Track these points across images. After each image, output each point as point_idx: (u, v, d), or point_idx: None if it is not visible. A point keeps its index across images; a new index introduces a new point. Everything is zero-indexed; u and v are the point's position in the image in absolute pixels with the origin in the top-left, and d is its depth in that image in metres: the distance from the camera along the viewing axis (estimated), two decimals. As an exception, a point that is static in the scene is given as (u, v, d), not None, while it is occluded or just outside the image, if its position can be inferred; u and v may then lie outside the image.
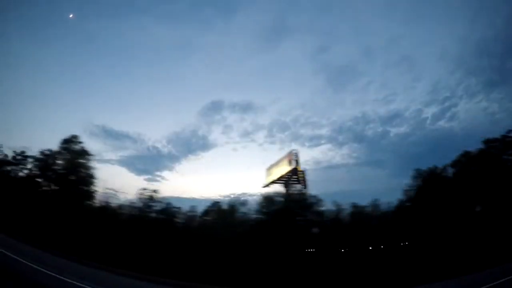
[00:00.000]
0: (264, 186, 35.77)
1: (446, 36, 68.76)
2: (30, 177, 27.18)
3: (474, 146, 26.43)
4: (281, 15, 69.73)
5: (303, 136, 63.86)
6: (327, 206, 28.16)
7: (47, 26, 66.19)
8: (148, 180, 63.88)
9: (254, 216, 27.50)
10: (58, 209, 23.21)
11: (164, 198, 29.14)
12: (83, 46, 70.40)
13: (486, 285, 11.92)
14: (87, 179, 27.91)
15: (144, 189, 29.20)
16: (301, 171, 32.87)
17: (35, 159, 27.61)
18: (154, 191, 29.03)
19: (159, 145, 61.78)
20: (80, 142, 28.74)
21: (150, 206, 28.06)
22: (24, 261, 13.53)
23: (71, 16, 58.99)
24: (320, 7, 69.04)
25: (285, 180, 33.01)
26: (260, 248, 21.91)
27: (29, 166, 27.77)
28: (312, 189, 32.59)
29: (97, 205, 28.29)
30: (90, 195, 27.93)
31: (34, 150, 28.03)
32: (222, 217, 27.42)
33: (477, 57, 60.36)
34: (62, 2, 69.10)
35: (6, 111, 55.69)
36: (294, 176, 32.88)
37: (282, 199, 28.47)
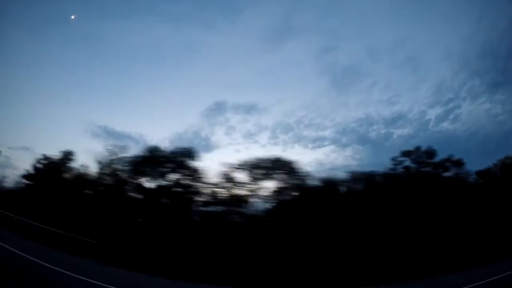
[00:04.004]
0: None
1: (451, 37, 66.46)
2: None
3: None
4: (286, 15, 69.07)
5: (306, 138, 63.77)
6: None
7: (49, 27, 63.96)
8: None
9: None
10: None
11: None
12: (85, 47, 68.26)
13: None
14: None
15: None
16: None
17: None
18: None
19: (161, 146, 60.97)
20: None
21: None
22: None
23: (72, 17, 56.86)
24: (325, 8, 68.31)
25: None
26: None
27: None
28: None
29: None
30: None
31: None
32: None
33: (481, 58, 59.54)
34: (63, 3, 66.52)
35: (7, 110, 54.27)
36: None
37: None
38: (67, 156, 26.45)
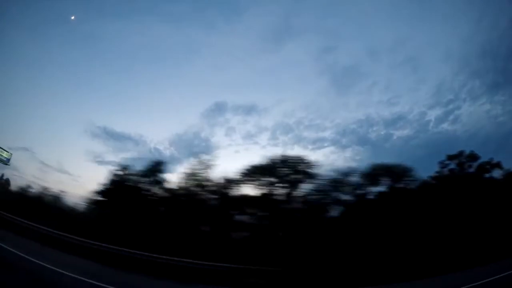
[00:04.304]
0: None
1: (451, 37, 68.87)
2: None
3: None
4: (286, 16, 69.30)
5: (306, 139, 65.42)
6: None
7: (49, 27, 62.75)
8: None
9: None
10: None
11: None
12: (85, 47, 67.80)
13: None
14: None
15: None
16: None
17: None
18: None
19: (161, 147, 57.77)
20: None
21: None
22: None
23: (72, 17, 56.22)
24: (325, 8, 70.13)
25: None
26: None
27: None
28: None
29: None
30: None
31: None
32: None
33: (481, 58, 61.03)
34: (63, 3, 65.73)
35: (7, 110, 54.72)
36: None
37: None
38: (156, 167, 22.46)
